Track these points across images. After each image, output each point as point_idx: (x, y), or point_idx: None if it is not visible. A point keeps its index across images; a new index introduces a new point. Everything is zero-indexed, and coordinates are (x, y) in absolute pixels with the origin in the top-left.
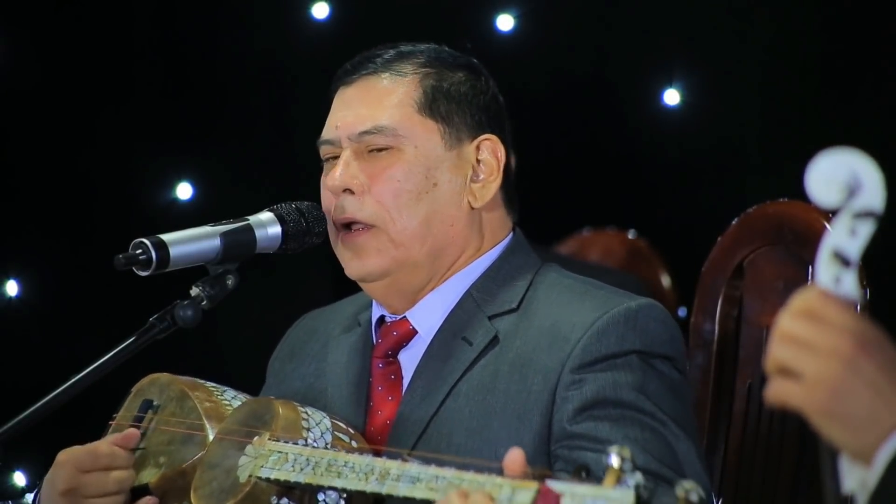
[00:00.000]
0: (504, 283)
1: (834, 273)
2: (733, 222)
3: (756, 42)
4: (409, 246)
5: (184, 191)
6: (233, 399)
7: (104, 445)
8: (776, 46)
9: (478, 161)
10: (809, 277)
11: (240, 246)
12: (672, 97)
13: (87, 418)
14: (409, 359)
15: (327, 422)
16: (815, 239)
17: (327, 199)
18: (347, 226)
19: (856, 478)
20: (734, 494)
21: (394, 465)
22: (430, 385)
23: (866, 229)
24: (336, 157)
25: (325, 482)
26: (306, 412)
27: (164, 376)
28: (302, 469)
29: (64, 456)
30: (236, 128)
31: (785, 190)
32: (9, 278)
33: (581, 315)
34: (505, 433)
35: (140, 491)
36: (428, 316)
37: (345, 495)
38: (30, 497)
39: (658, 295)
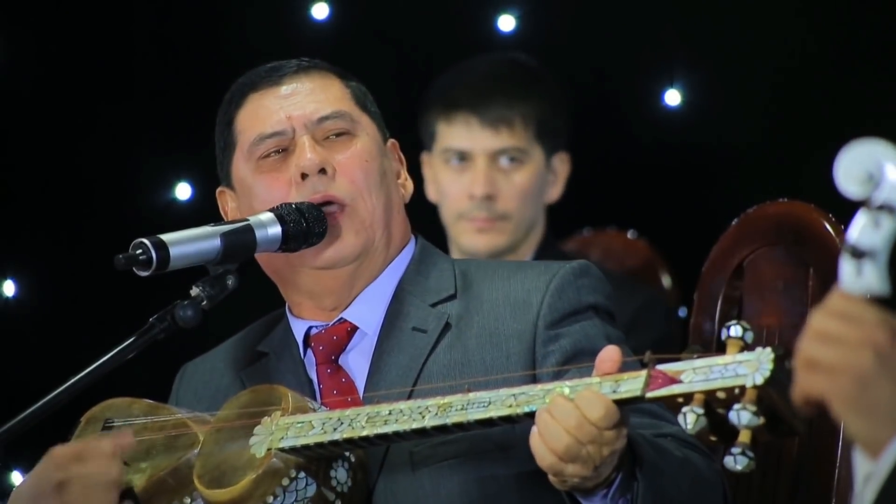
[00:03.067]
0: (429, 275)
1: (855, 265)
2: (733, 222)
3: (757, 42)
4: (376, 228)
5: (183, 191)
6: (203, 414)
7: (101, 439)
8: (777, 47)
9: (388, 161)
10: (809, 278)
11: (240, 246)
12: (673, 97)
13: None
14: (355, 358)
15: (325, 408)
16: (815, 239)
17: (281, 189)
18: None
19: (863, 471)
20: (734, 494)
21: (455, 398)
22: (391, 376)
23: (890, 222)
24: (283, 150)
25: (370, 433)
26: (307, 398)
27: (120, 400)
28: (335, 430)
29: (56, 451)
30: None
31: (785, 190)
32: (6, 278)
33: (531, 281)
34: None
35: (124, 496)
36: (368, 312)
37: (351, 473)
38: None
39: (658, 295)
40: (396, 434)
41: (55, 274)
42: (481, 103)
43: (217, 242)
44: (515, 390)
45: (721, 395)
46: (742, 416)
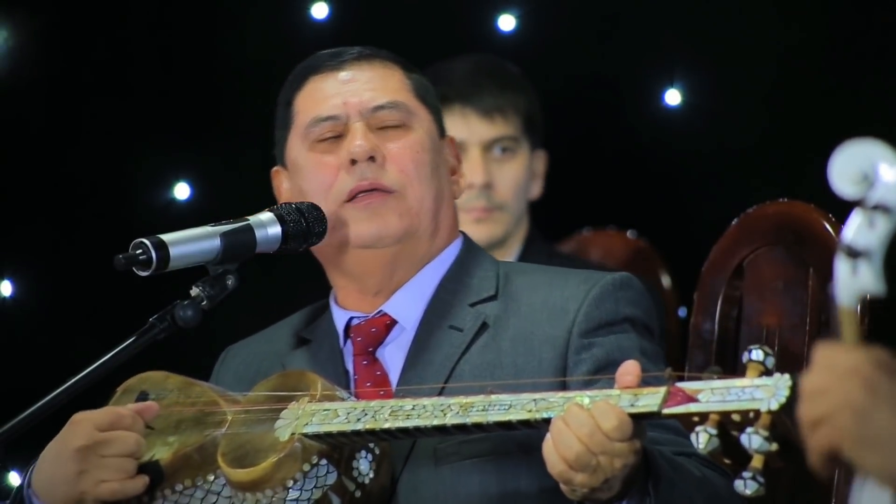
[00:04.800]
0: (473, 275)
1: (850, 264)
2: (733, 222)
3: (758, 42)
4: (422, 217)
5: (181, 191)
6: (235, 394)
7: (125, 409)
8: (778, 47)
9: (444, 155)
10: (809, 278)
11: (240, 246)
12: (673, 97)
13: None
14: (391, 353)
15: (354, 398)
16: (815, 239)
17: (330, 172)
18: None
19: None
20: None
21: (477, 399)
22: (425, 373)
23: (885, 222)
24: (336, 136)
25: (392, 426)
26: (337, 387)
27: (156, 373)
28: (359, 420)
29: (81, 415)
30: (234, 128)
31: (785, 190)
32: (3, 279)
33: (571, 289)
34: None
35: (149, 467)
36: (408, 307)
37: (374, 465)
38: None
39: (658, 295)
40: (417, 429)
41: (53, 274)
42: (474, 93)
43: (217, 242)
44: (537, 396)
45: (736, 417)
46: (753, 440)
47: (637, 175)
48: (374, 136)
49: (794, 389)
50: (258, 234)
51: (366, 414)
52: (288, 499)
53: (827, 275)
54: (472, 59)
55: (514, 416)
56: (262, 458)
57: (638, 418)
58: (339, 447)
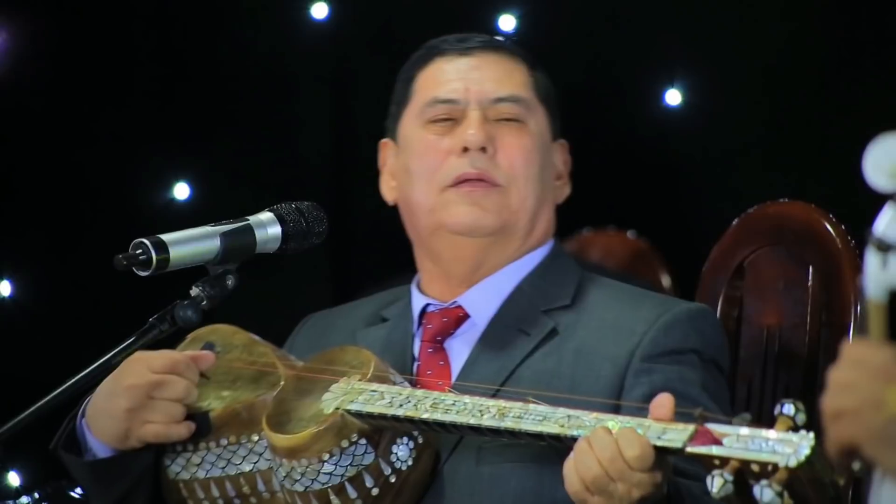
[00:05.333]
0: (553, 281)
1: (881, 258)
2: (734, 223)
3: (759, 42)
4: (521, 216)
5: (181, 191)
6: (297, 360)
7: (181, 354)
8: (779, 47)
9: (552, 159)
10: (809, 278)
11: (240, 246)
12: (674, 97)
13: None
14: (458, 345)
15: (408, 384)
16: (816, 239)
17: (440, 155)
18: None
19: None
20: None
21: (515, 405)
22: (485, 370)
23: None
24: (448, 119)
25: (430, 417)
26: (392, 370)
27: (225, 326)
28: (401, 405)
29: (138, 354)
30: (234, 128)
31: (786, 190)
32: (2, 278)
33: (644, 311)
34: (584, 399)
35: (198, 417)
36: (482, 302)
37: (415, 454)
38: (25, 499)
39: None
40: (453, 425)
41: (52, 274)
42: None
43: (216, 242)
44: (572, 412)
45: (755, 467)
46: (765, 492)
47: (637, 175)
48: (490, 127)
49: (815, 450)
50: (258, 234)
51: (409, 401)
52: (322, 471)
53: (827, 275)
54: None
55: (545, 429)
56: (303, 426)
57: (661, 452)
58: (380, 429)
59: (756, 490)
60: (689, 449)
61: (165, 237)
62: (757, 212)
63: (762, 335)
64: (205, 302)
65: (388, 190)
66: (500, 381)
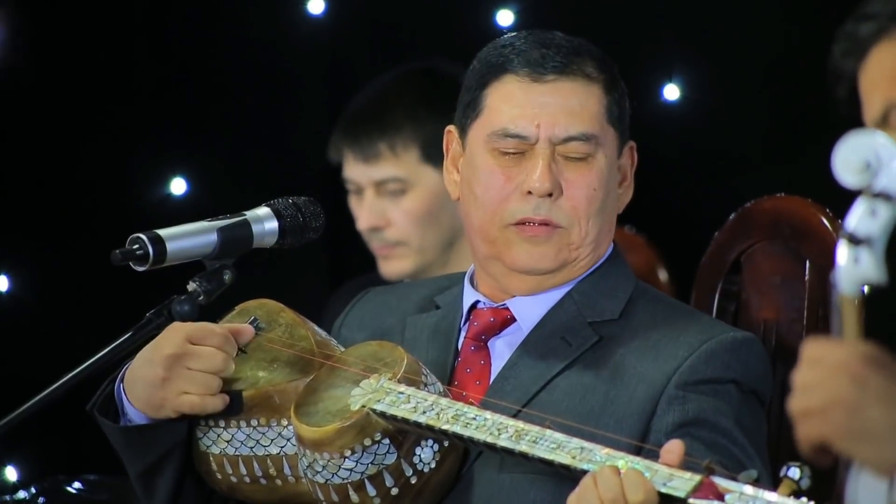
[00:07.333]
0: (604, 292)
1: (852, 252)
2: (731, 217)
3: (757, 37)
4: (582, 250)
5: (178, 186)
6: (337, 346)
7: (221, 327)
8: (777, 41)
9: (619, 166)
10: (806, 272)
11: (236, 241)
12: (672, 92)
13: (81, 415)
14: (501, 347)
15: (440, 386)
16: (813, 234)
17: (503, 191)
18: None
19: (882, 498)
20: None
21: (533, 428)
22: (523, 375)
23: (887, 210)
24: (516, 152)
25: (449, 428)
26: (426, 370)
27: (273, 303)
28: (424, 412)
29: (177, 325)
30: (231, 123)
31: (783, 185)
32: None
33: (688, 335)
34: (602, 434)
35: (231, 395)
36: (530, 308)
37: (438, 457)
38: (22, 494)
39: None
40: (470, 439)
41: (49, 269)
42: (354, 139)
43: (213, 237)
44: (586, 445)
45: None
46: None
47: (635, 170)
48: (556, 167)
49: None
50: (255, 228)
51: (432, 409)
52: (343, 466)
53: (824, 269)
54: (364, 96)
55: (556, 458)
56: (328, 420)
57: (664, 499)
58: (404, 431)
59: None
60: (690, 500)
61: (162, 232)
62: (754, 206)
63: (759, 330)
64: (201, 297)
65: (451, 183)
66: (537, 388)
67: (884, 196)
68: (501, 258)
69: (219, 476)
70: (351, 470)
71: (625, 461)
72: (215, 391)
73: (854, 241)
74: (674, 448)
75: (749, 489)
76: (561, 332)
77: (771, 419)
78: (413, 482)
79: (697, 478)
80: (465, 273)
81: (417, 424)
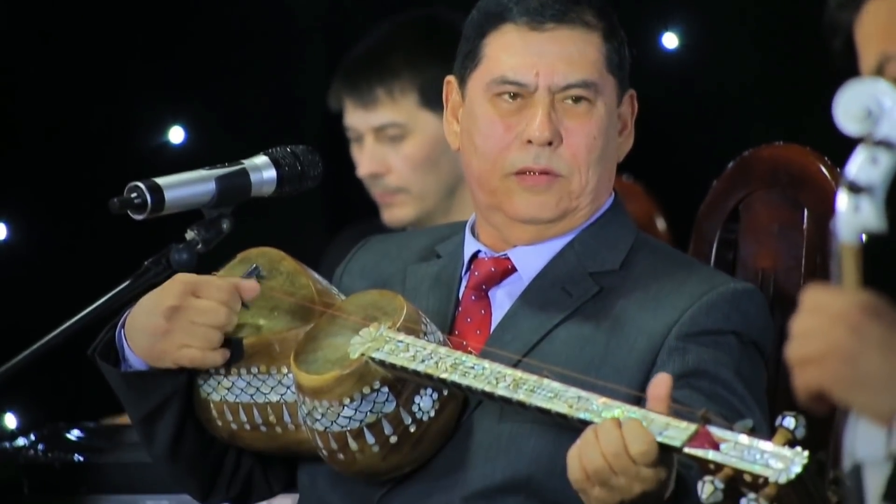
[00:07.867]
0: (605, 243)
1: (852, 200)
2: (729, 166)
3: None
4: (582, 199)
5: (176, 135)
6: (338, 294)
7: (224, 281)
8: None
9: (619, 114)
10: (804, 221)
11: (235, 190)
12: (670, 41)
13: (80, 362)
14: (502, 296)
15: (440, 335)
16: (811, 182)
17: (503, 140)
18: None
19: (880, 446)
20: None
21: (531, 378)
22: (522, 325)
23: (888, 158)
24: (515, 96)
25: (447, 377)
26: (425, 319)
27: (274, 251)
28: (423, 361)
29: (180, 276)
30: (229, 71)
31: (782, 134)
32: None
33: (688, 286)
34: (601, 383)
35: (232, 343)
36: (532, 258)
37: (437, 405)
38: (22, 441)
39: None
40: (468, 388)
41: (47, 217)
42: (353, 85)
43: (212, 186)
44: (583, 394)
45: (747, 477)
46: None
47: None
48: (556, 115)
49: (806, 468)
50: (253, 177)
51: (431, 357)
52: (342, 414)
53: (822, 217)
54: (368, 42)
55: (553, 406)
56: (328, 368)
57: (661, 448)
58: (403, 379)
59: (744, 503)
60: (686, 449)
61: (160, 181)
62: (752, 155)
63: (757, 278)
64: (200, 245)
65: (451, 134)
66: (537, 338)
67: (885, 144)
68: (502, 208)
69: (219, 423)
70: (350, 418)
71: (621, 410)
72: (216, 346)
73: (854, 188)
74: (657, 392)
75: (744, 438)
76: (561, 283)
77: (768, 367)
78: (412, 431)
79: (693, 427)
80: (466, 222)
81: (416, 373)
